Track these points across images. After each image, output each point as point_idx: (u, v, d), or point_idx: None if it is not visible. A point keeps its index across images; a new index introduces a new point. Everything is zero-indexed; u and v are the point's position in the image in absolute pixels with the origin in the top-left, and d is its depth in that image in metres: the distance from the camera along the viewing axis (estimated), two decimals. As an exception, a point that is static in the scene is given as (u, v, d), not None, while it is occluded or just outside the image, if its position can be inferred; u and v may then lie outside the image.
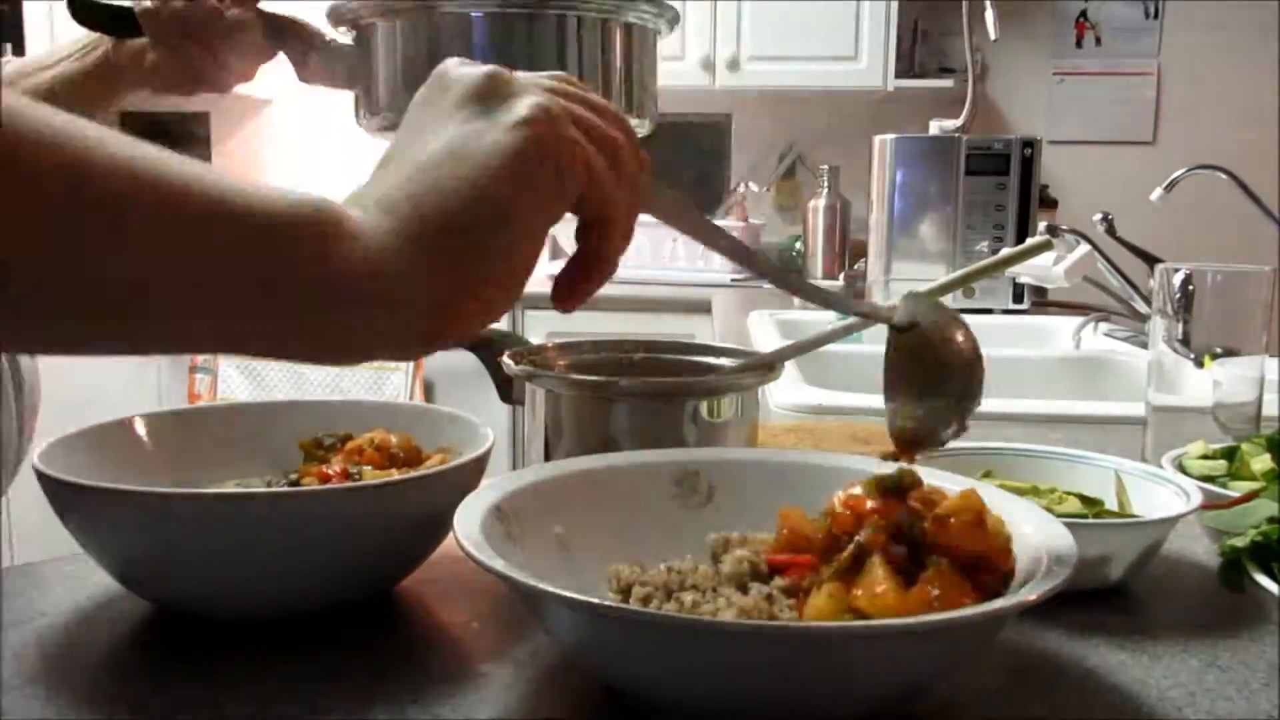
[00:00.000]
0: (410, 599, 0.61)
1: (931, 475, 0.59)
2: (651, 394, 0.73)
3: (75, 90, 0.89)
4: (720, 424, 0.73)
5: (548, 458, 0.68)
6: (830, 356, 1.45)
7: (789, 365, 1.12)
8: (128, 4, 0.84)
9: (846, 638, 0.41)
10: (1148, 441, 0.90)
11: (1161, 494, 0.66)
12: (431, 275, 0.39)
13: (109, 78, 0.90)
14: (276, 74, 0.92)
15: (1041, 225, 2.29)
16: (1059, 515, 0.53)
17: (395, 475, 0.57)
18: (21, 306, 0.32)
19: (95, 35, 0.87)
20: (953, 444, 0.73)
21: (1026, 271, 2.01)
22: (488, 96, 0.42)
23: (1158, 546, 0.64)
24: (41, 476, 0.54)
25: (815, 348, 0.77)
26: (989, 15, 2.28)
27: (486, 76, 0.43)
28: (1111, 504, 0.67)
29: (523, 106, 0.42)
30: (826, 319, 1.70)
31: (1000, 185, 2.34)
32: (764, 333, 1.82)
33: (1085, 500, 0.66)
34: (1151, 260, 1.56)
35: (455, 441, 0.65)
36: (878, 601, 0.43)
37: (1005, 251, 0.73)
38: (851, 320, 0.76)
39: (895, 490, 0.52)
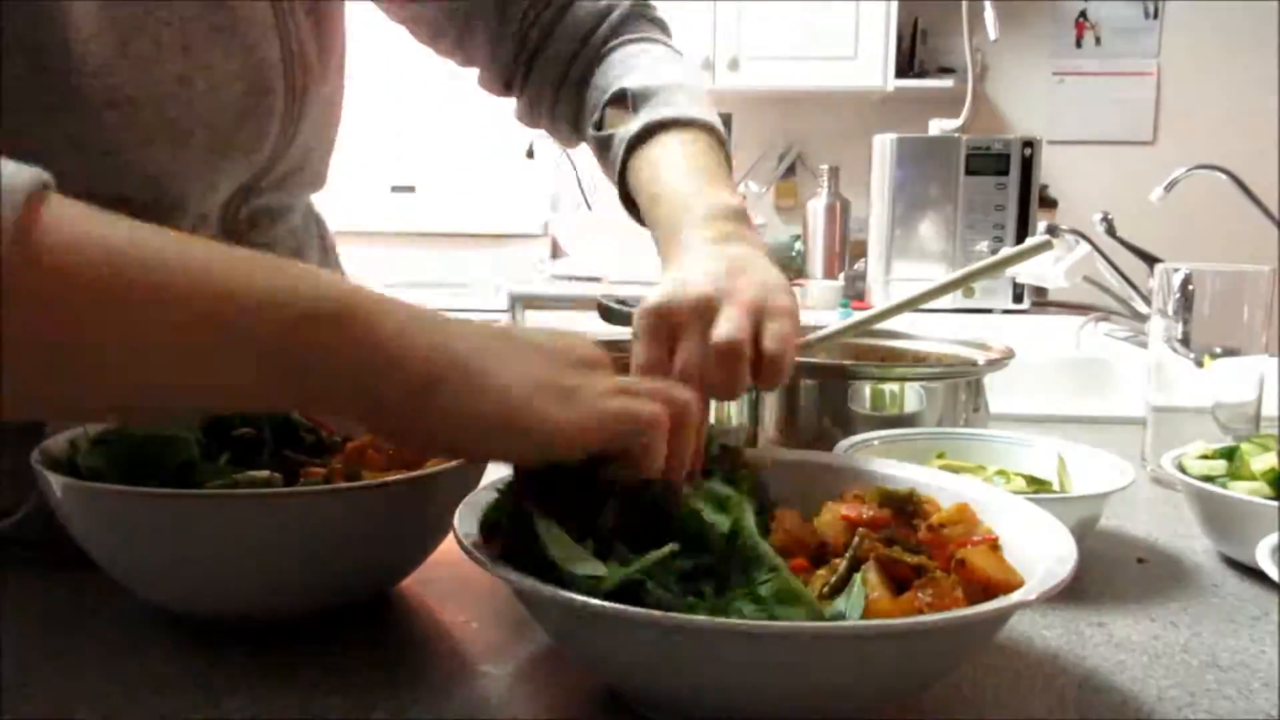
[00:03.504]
0: (410, 599, 0.61)
1: (930, 475, 0.59)
2: (651, 394, 0.73)
3: None
4: (721, 423, 0.73)
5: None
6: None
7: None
8: None
9: (847, 638, 0.41)
10: (1147, 441, 0.90)
11: (1102, 473, 0.68)
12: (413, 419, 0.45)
13: None
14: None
15: (1041, 225, 2.29)
16: None
17: (395, 475, 0.57)
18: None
19: None
20: (909, 429, 0.76)
21: (1026, 271, 2.01)
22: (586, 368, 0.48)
23: (1094, 521, 0.66)
24: (40, 475, 0.54)
25: (815, 347, 0.77)
26: (989, 15, 2.28)
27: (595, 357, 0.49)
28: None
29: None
30: (826, 318, 1.70)
31: (1000, 185, 2.34)
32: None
33: (1032, 480, 0.70)
34: (1151, 260, 1.56)
35: (455, 441, 0.65)
36: (871, 607, 0.43)
37: (1005, 251, 0.73)
38: (852, 319, 0.77)
39: (897, 505, 0.52)
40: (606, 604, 0.40)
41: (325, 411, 0.47)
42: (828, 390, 0.83)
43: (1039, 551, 0.48)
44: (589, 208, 3.65)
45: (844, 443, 0.71)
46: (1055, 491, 0.69)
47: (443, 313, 0.46)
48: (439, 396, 0.44)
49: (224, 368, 0.42)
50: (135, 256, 0.40)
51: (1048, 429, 0.85)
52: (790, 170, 3.66)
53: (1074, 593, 0.61)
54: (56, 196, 0.39)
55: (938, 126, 2.51)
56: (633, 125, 0.74)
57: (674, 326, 0.56)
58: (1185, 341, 0.86)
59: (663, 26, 0.83)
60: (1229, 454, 0.73)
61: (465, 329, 0.46)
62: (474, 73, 0.86)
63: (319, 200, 0.96)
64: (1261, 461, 0.70)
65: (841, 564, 0.47)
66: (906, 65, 3.52)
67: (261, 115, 0.70)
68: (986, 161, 2.34)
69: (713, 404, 0.73)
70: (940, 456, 0.74)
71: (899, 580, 0.46)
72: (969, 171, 2.34)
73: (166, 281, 0.40)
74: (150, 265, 0.40)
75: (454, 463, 0.58)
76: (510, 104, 0.87)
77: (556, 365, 0.48)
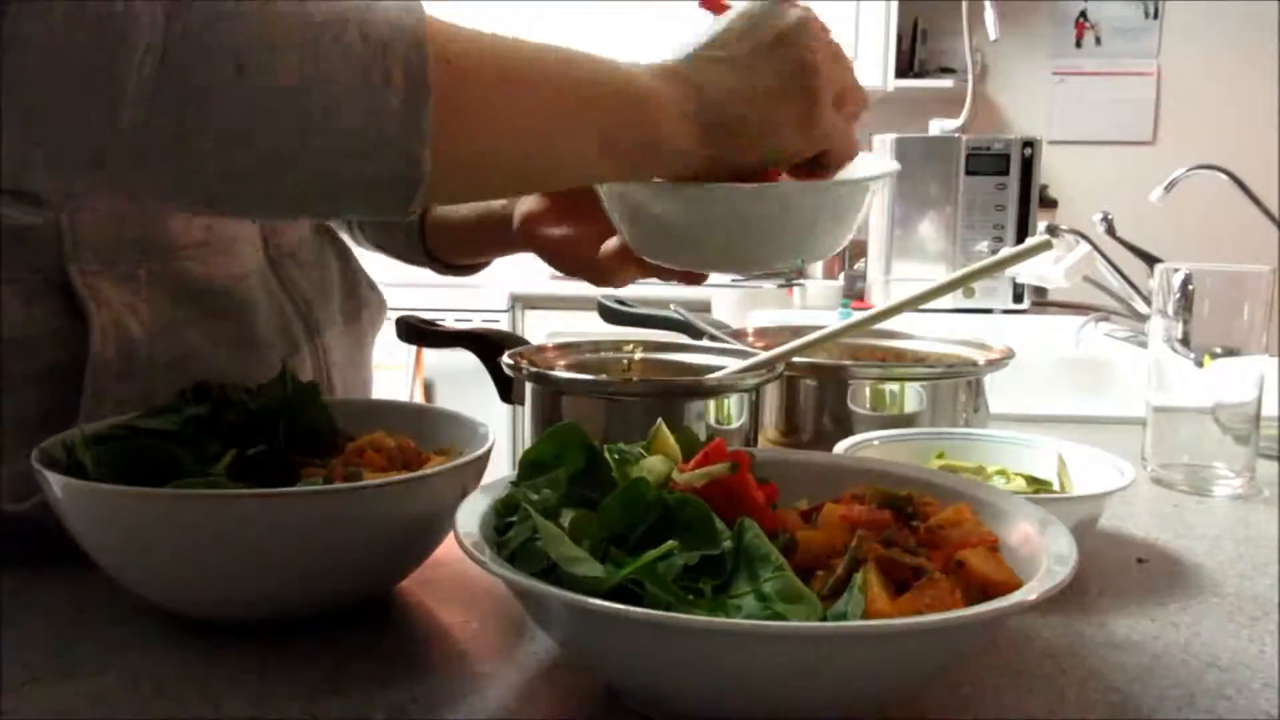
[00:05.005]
0: (410, 599, 0.61)
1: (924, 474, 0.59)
2: (651, 394, 0.73)
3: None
4: (721, 423, 0.74)
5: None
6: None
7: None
8: None
9: (847, 638, 0.41)
10: (1147, 441, 0.90)
11: (1102, 473, 0.68)
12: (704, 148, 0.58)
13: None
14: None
15: (1041, 225, 2.29)
16: None
17: (395, 475, 0.57)
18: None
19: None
20: (909, 429, 0.76)
21: (1026, 271, 2.01)
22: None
23: (1094, 521, 0.66)
24: (40, 475, 0.54)
25: (815, 347, 0.77)
26: (989, 15, 2.28)
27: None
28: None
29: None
30: (826, 318, 1.70)
31: (1000, 185, 2.34)
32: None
33: (1032, 480, 0.70)
34: (1151, 260, 1.56)
35: (455, 441, 0.65)
36: (870, 608, 0.44)
37: (1005, 251, 0.73)
38: (852, 319, 0.77)
39: (896, 506, 0.52)
40: (606, 604, 0.40)
41: (618, 169, 0.59)
42: (828, 390, 0.83)
43: (1039, 551, 0.48)
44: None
45: (844, 443, 0.71)
46: (1055, 491, 0.69)
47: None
48: (711, 122, 0.57)
49: (576, 140, 0.54)
50: (516, 55, 0.52)
51: (1048, 429, 0.85)
52: (790, 170, 3.65)
53: (1074, 593, 0.61)
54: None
55: (938, 126, 2.51)
56: None
57: None
58: (1185, 341, 0.86)
59: None
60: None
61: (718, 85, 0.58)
62: None
63: None
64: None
65: (841, 565, 0.47)
66: (906, 65, 3.53)
67: None
68: (986, 161, 2.34)
69: (712, 403, 0.73)
70: (940, 456, 0.73)
71: (898, 582, 0.46)
72: (969, 171, 2.34)
73: (543, 75, 0.53)
74: (528, 61, 0.53)
75: (454, 462, 0.58)
76: None
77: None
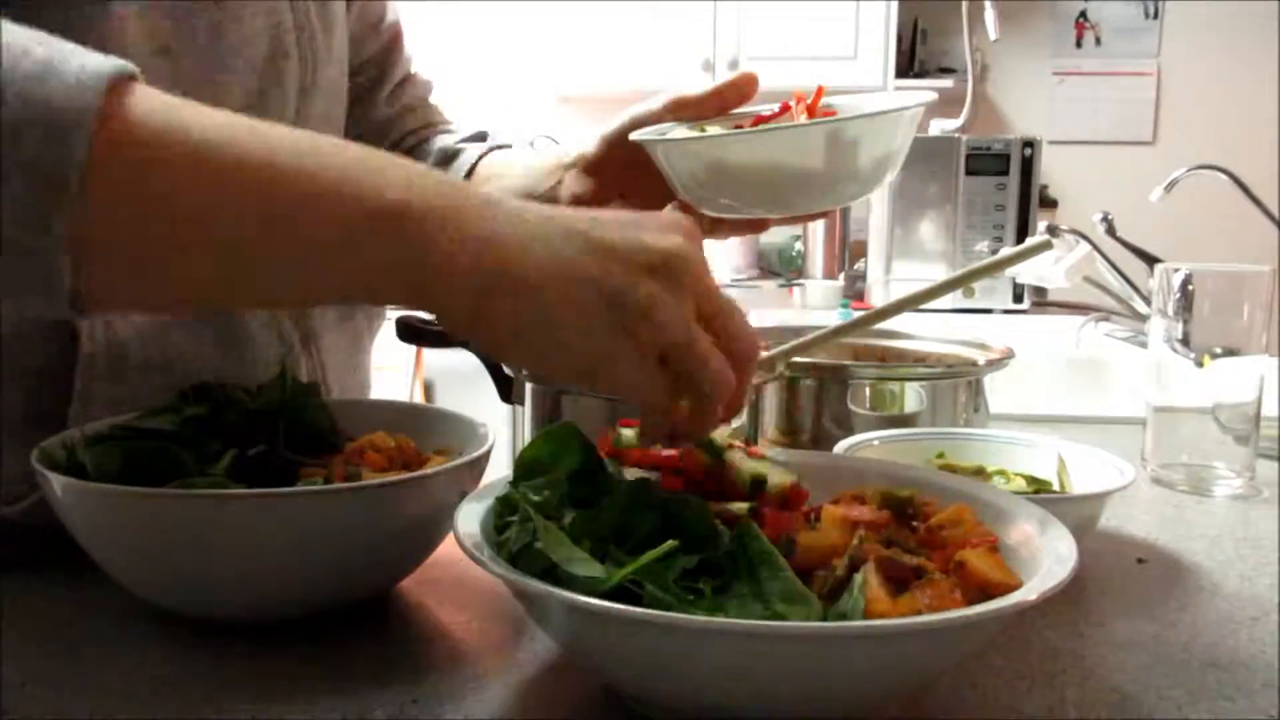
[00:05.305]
0: (410, 599, 0.61)
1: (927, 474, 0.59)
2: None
3: None
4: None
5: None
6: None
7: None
8: None
9: (847, 638, 0.41)
10: (1147, 441, 0.90)
11: (1102, 473, 0.69)
12: (472, 323, 0.45)
13: None
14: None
15: (1041, 225, 2.29)
16: None
17: (395, 475, 0.57)
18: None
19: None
20: (909, 429, 0.76)
21: (1026, 271, 2.01)
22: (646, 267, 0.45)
23: (1094, 521, 0.67)
24: (40, 475, 0.54)
25: (815, 347, 0.77)
26: (989, 15, 2.28)
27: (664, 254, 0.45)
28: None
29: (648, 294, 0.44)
30: (826, 318, 1.70)
31: (1000, 185, 2.34)
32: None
33: (1032, 480, 0.70)
34: (1151, 260, 1.56)
35: (455, 441, 0.65)
36: (870, 608, 0.44)
37: (1005, 251, 0.73)
38: (852, 319, 0.77)
39: (896, 506, 0.52)
40: (605, 604, 0.40)
41: (389, 304, 0.48)
42: (828, 390, 0.83)
43: (1039, 551, 0.48)
44: (589, 208, 3.64)
45: (844, 443, 0.71)
46: (1055, 491, 0.69)
47: (512, 209, 0.45)
48: (492, 307, 0.44)
49: (286, 263, 0.43)
50: (210, 148, 0.41)
51: (1048, 429, 0.85)
52: (790, 170, 3.65)
53: (1074, 593, 0.61)
54: (142, 86, 0.41)
55: (938, 126, 2.51)
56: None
57: None
58: (1185, 341, 0.86)
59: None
60: None
61: (524, 233, 0.44)
62: (482, 73, 0.89)
63: None
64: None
65: (841, 565, 0.47)
66: (906, 65, 3.53)
67: (285, 79, 0.73)
68: (986, 161, 2.34)
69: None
70: (940, 456, 0.74)
71: (898, 582, 0.46)
72: (969, 171, 2.34)
73: (236, 172, 0.41)
74: (222, 156, 0.41)
75: (454, 462, 0.58)
76: (517, 102, 0.90)
77: (618, 278, 0.44)
